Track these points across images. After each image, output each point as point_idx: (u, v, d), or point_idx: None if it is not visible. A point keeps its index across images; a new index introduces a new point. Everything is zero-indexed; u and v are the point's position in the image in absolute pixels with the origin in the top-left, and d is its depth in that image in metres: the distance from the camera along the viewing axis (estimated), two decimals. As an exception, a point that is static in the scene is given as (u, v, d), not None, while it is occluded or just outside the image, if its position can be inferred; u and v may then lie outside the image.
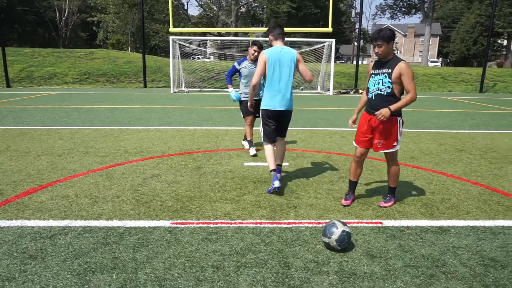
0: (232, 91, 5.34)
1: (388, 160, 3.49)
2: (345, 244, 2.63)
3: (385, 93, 3.25)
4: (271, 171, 3.88)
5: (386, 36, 3.15)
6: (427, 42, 39.32)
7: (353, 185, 3.61)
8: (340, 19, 49.95)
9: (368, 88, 3.43)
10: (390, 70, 3.20)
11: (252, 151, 5.37)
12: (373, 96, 3.32)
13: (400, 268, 2.45)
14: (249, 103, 4.35)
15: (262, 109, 4.00)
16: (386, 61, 3.26)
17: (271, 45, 3.97)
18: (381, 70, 3.27)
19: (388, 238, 2.87)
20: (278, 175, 3.90)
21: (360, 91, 18.80)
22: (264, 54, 3.87)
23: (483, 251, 2.70)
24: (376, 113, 3.23)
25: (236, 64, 5.37)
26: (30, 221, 3.05)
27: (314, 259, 2.55)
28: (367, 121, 3.40)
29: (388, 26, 57.74)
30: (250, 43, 5.19)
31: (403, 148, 5.97)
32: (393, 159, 3.47)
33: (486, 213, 3.39)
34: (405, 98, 3.21)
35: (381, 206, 3.49)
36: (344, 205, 3.50)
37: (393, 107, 3.19)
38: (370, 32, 67.83)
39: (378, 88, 3.28)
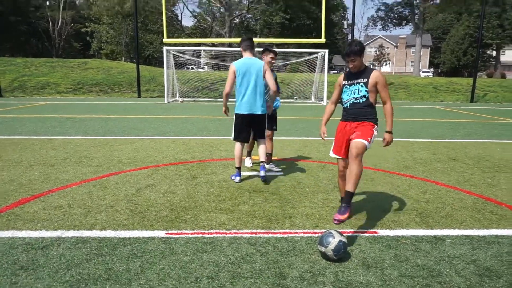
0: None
1: (353, 155, 3.06)
2: (341, 254, 2.62)
3: (360, 101, 3.28)
4: (236, 168, 4.54)
5: (358, 50, 3.18)
6: (418, 53, 39.92)
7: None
8: (332, 30, 50.65)
9: (342, 99, 3.44)
10: (366, 79, 3.25)
11: (248, 161, 5.33)
12: (349, 105, 3.35)
13: (396, 278, 2.44)
14: (223, 109, 4.71)
15: (235, 113, 4.58)
16: (359, 72, 3.31)
17: (241, 56, 4.55)
18: (356, 80, 3.31)
19: (383, 247, 2.87)
20: (262, 171, 4.54)
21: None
22: (233, 65, 4.43)
23: (478, 260, 2.70)
24: (384, 145, 3.33)
25: None
26: (22, 232, 3.00)
27: (310, 269, 2.53)
28: (344, 127, 3.37)
29: (380, 37, 58.28)
30: (264, 50, 4.94)
31: (397, 158, 6.01)
32: (359, 153, 3.06)
33: (480, 222, 3.41)
34: (388, 112, 3.26)
35: (337, 221, 2.87)
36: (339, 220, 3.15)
37: (389, 128, 3.27)
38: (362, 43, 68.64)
39: (354, 97, 3.30)
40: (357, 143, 3.12)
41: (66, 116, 10.91)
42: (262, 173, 4.51)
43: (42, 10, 46.70)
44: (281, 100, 5.28)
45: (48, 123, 9.32)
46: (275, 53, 4.95)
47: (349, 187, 3.01)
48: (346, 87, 3.38)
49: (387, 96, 3.27)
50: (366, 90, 3.25)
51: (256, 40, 4.42)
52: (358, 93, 3.29)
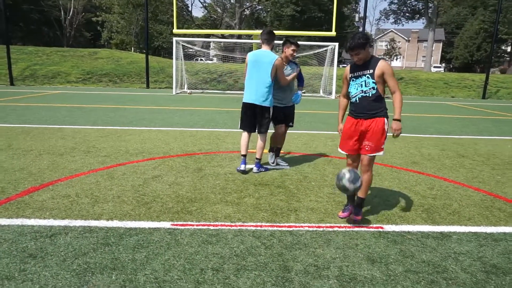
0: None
1: (365, 165, 3.23)
2: (357, 177, 2.97)
3: (369, 95, 3.14)
4: (241, 155, 4.62)
5: (362, 44, 3.06)
6: (430, 48, 39.28)
7: (351, 196, 3.35)
8: (343, 23, 49.99)
9: (349, 93, 3.31)
10: (372, 70, 3.12)
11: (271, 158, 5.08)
12: (357, 99, 3.20)
13: (401, 274, 2.43)
14: None
15: (242, 102, 4.69)
16: (365, 63, 3.17)
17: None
18: (362, 71, 3.18)
19: (389, 243, 2.86)
20: (255, 166, 4.68)
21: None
22: (247, 55, 4.61)
23: (485, 257, 2.68)
24: (394, 134, 3.16)
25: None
26: (31, 220, 3.05)
27: (314, 263, 2.54)
28: (354, 125, 3.24)
29: (391, 30, 57.33)
30: (285, 42, 4.66)
31: (405, 153, 5.95)
32: (370, 164, 3.23)
33: (488, 219, 3.38)
34: (397, 101, 3.13)
35: (341, 217, 3.22)
36: (341, 217, 3.31)
37: (397, 116, 3.13)
38: (374, 37, 67.86)
39: (362, 90, 3.17)
40: (370, 158, 3.22)
41: (76, 105, 11.01)
42: (254, 169, 4.66)
43: (54, -2, 46.92)
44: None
45: (58, 112, 9.42)
46: (297, 45, 4.66)
47: (361, 194, 3.24)
48: (352, 79, 3.24)
49: (395, 85, 3.13)
50: (373, 82, 3.13)
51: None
52: (366, 85, 3.15)
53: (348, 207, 3.36)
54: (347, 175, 3.00)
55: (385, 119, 3.19)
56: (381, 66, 3.10)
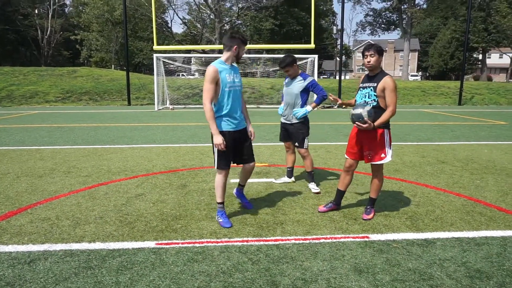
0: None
1: (374, 171, 3.59)
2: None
3: (371, 106, 3.36)
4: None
5: (379, 49, 3.36)
6: (406, 57, 40.44)
7: (339, 194, 3.73)
8: (322, 36, 51.09)
9: (355, 101, 3.60)
10: (375, 84, 3.34)
11: (287, 179, 4.84)
12: None
13: (388, 283, 2.44)
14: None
15: None
16: (374, 75, 3.41)
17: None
18: (368, 83, 3.42)
19: (375, 252, 2.88)
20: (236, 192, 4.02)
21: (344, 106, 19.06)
22: None
23: (468, 262, 2.72)
24: (358, 124, 3.33)
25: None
26: (8, 246, 2.94)
27: (302, 276, 2.52)
28: (358, 134, 3.53)
29: (368, 42, 58.96)
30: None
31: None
32: (378, 170, 3.56)
33: (469, 224, 3.44)
34: (385, 113, 3.33)
35: (364, 219, 3.55)
36: (320, 211, 3.69)
37: (376, 123, 3.31)
38: (351, 48, 69.45)
39: (365, 101, 3.42)
40: (375, 165, 3.51)
41: (55, 125, 10.78)
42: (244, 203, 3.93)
43: (30, 18, 46.28)
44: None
45: (36, 133, 9.19)
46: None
47: (373, 195, 3.60)
48: (360, 89, 3.53)
49: (391, 102, 3.31)
50: (375, 95, 3.34)
51: (246, 46, 3.88)
52: (369, 97, 3.41)
53: (330, 205, 3.75)
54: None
55: (385, 130, 3.42)
56: (384, 81, 3.32)
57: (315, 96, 4.44)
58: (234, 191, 3.98)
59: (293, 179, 4.89)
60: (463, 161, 6.14)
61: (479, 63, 50.30)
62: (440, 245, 3.01)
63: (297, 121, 4.44)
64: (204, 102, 3.24)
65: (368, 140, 3.45)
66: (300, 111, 4.38)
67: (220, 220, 3.43)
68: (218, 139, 3.24)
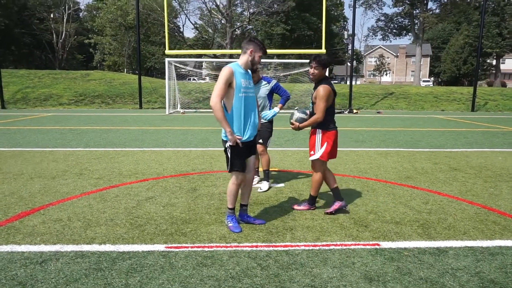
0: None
1: (312, 167, 3.89)
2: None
3: (309, 111, 3.79)
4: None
5: (323, 62, 3.62)
6: (418, 62, 40.10)
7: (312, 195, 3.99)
8: (333, 41, 51.00)
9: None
10: (313, 92, 3.71)
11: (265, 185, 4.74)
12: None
13: (399, 292, 2.40)
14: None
15: None
16: (316, 85, 3.72)
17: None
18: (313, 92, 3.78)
19: (385, 260, 2.84)
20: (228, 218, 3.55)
21: (355, 110, 18.99)
22: None
23: (482, 272, 2.67)
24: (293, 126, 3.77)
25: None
26: (21, 246, 2.98)
27: (311, 283, 2.50)
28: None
29: (380, 47, 58.61)
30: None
31: (398, 168, 5.98)
32: (314, 166, 3.84)
33: (483, 233, 3.38)
34: (311, 118, 3.67)
35: (295, 209, 3.92)
36: (295, 209, 3.93)
37: (300, 125, 3.70)
38: (362, 53, 69.13)
39: (311, 106, 3.81)
40: (311, 162, 3.86)
41: (68, 127, 10.95)
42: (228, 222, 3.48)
43: (46, 22, 47.29)
44: (281, 111, 5.10)
45: (50, 135, 9.35)
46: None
47: (311, 192, 3.91)
48: None
49: (318, 109, 3.61)
50: (312, 102, 3.76)
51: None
52: (312, 104, 3.80)
53: (305, 202, 3.99)
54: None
55: (317, 130, 3.75)
56: (317, 90, 3.64)
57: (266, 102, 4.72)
58: (238, 217, 3.56)
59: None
60: (477, 168, 6.04)
61: (493, 68, 49.57)
62: (452, 254, 2.95)
63: (265, 121, 4.62)
64: (215, 100, 3.04)
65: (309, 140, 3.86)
66: (269, 113, 4.53)
67: (230, 224, 3.40)
68: (234, 137, 3.13)
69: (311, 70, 3.64)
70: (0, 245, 3.00)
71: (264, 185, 4.69)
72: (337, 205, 3.78)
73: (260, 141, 4.59)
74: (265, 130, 4.63)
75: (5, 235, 3.19)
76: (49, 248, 2.96)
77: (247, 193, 3.56)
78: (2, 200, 4.13)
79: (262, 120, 4.46)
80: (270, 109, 4.69)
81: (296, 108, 3.63)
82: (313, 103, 3.69)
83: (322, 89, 3.56)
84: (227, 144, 3.23)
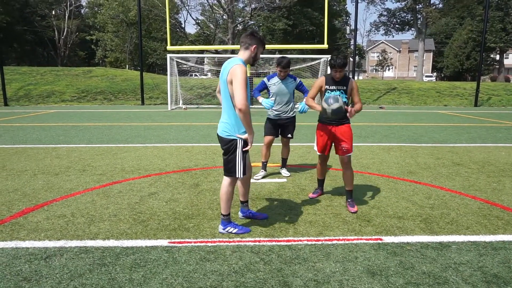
0: (262, 100, 4.27)
1: (346, 163, 3.96)
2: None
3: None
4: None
5: (344, 64, 3.76)
6: (421, 58, 39.86)
7: (321, 181, 4.32)
8: (335, 36, 50.71)
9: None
10: (345, 87, 3.84)
11: (261, 174, 5.05)
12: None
13: (402, 286, 2.41)
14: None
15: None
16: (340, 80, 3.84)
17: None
18: (337, 86, 3.85)
19: (388, 254, 2.84)
20: (220, 225, 3.35)
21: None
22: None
23: (485, 267, 2.67)
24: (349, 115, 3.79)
25: (265, 79, 4.96)
26: (25, 242, 3.00)
27: (314, 277, 2.51)
28: (324, 130, 3.97)
29: (382, 42, 58.20)
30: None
31: (401, 163, 5.97)
32: (348, 162, 3.97)
33: (486, 228, 3.37)
34: (356, 106, 3.85)
35: (310, 198, 4.19)
36: (311, 197, 4.18)
37: (354, 110, 3.76)
38: (365, 48, 68.79)
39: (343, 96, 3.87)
40: (348, 157, 3.95)
41: (71, 124, 10.98)
42: (220, 229, 3.29)
43: (48, 19, 47.27)
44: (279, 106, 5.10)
45: (53, 131, 9.38)
46: (278, 64, 4.75)
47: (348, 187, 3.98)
48: (328, 92, 3.88)
49: (359, 100, 3.94)
50: (345, 96, 3.89)
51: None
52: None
53: (317, 190, 4.28)
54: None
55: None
56: (351, 84, 3.86)
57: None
58: (240, 215, 3.57)
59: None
60: (479, 163, 6.02)
61: (497, 63, 49.23)
62: (455, 248, 2.95)
63: (293, 115, 5.07)
64: (246, 103, 2.82)
65: (340, 134, 3.89)
66: (302, 106, 4.49)
67: (235, 230, 3.19)
68: (252, 139, 3.02)
69: (338, 75, 3.78)
70: (4, 241, 3.02)
71: (284, 172, 5.24)
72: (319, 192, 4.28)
73: (289, 135, 5.13)
74: (292, 124, 5.12)
75: (10, 231, 3.21)
76: (53, 244, 2.98)
77: (247, 190, 3.52)
78: (6, 197, 4.15)
79: (291, 113, 5.02)
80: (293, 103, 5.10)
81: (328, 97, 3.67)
82: (346, 96, 3.86)
83: (355, 83, 3.89)
84: (244, 148, 3.06)
